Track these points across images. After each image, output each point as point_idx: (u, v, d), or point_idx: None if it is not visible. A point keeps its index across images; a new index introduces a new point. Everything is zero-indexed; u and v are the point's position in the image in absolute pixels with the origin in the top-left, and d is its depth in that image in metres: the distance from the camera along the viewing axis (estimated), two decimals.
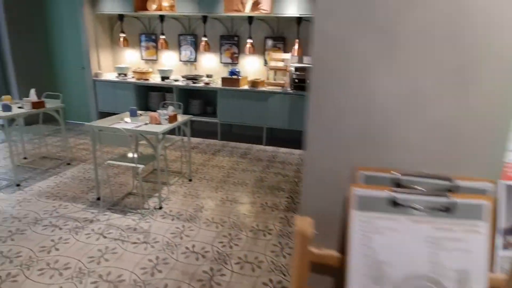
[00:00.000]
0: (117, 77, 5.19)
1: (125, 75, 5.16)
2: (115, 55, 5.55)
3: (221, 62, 5.08)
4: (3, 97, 3.37)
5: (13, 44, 4.96)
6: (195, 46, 5.10)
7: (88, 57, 5.04)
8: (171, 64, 5.29)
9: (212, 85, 4.72)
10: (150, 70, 5.13)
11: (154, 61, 5.37)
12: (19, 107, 3.21)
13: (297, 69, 4.38)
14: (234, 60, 5.01)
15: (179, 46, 5.18)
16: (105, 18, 5.23)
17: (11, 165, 3.18)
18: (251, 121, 4.66)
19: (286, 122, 4.52)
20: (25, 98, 3.18)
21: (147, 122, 2.83)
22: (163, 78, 5.00)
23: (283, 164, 4.04)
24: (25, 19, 5.12)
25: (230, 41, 4.93)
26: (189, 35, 5.08)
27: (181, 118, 3.08)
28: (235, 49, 4.96)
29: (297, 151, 4.55)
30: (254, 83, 4.53)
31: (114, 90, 5.05)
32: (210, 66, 5.15)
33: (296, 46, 4.48)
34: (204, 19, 4.70)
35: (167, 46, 5.03)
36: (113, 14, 5.04)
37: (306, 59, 4.65)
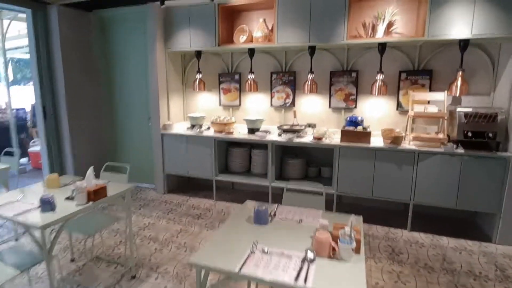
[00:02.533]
0: (189, 128, 4.04)
1: (200, 126, 3.99)
2: (187, 101, 4.45)
3: (331, 107, 3.72)
4: (47, 177, 2.22)
5: (69, 90, 4.07)
6: (293, 86, 3.82)
7: (157, 105, 3.96)
8: (260, 111, 4.05)
9: (326, 141, 3.32)
10: (233, 119, 3.91)
11: (236, 107, 4.17)
12: (68, 198, 2.01)
13: (469, 115, 2.84)
14: (350, 103, 3.61)
15: (270, 87, 3.94)
16: (177, 56, 4.21)
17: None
18: (388, 193, 3.12)
19: (450, 198, 2.91)
20: (78, 182, 1.97)
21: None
22: (251, 131, 3.73)
23: (468, 276, 2.39)
24: (84, 61, 4.26)
25: (345, 78, 3.59)
26: (286, 72, 3.84)
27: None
28: (351, 89, 3.58)
29: (473, 245, 2.87)
30: (395, 139, 3.05)
31: (186, 146, 3.86)
32: (314, 112, 3.80)
33: (459, 82, 2.98)
34: (312, 50, 3.43)
35: (256, 87, 3.81)
36: (188, 51, 4.00)
37: (470, 100, 3.13)
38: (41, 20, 3.92)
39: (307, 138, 3.47)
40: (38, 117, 4.24)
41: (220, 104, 4.22)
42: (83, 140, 4.30)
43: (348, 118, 3.42)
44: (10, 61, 7.59)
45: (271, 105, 3.96)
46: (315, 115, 3.79)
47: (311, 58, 3.46)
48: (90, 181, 1.97)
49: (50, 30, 3.96)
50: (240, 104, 4.12)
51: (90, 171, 2.02)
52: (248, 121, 3.73)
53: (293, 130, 3.56)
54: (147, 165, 4.36)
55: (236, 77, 4.06)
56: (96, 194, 1.93)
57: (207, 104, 4.32)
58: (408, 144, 3.09)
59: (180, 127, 4.17)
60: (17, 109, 6.68)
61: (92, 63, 4.36)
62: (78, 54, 4.16)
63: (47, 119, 4.10)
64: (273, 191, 3.61)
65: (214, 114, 4.21)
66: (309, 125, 3.70)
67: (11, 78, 7.86)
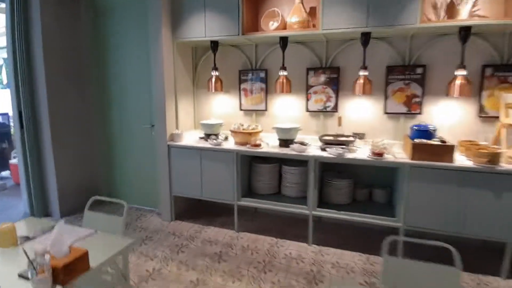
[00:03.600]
0: (202, 139, 3.23)
1: (217, 136, 3.18)
2: (199, 105, 3.63)
3: (386, 112, 2.92)
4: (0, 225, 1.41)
5: (52, 93, 3.25)
6: (336, 86, 3.02)
7: (162, 110, 3.15)
8: (292, 117, 3.23)
9: (389, 157, 2.51)
10: (259, 128, 3.10)
11: (261, 112, 3.36)
12: (23, 276, 1.19)
13: None
14: (413, 107, 2.81)
15: (306, 88, 3.14)
16: (187, 49, 3.39)
17: None
18: (479, 230, 2.29)
19: None
20: (38, 248, 1.13)
21: None
22: (284, 142, 2.92)
23: None
24: (72, 58, 3.44)
25: (407, 75, 2.79)
26: (327, 68, 3.04)
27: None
28: (415, 89, 2.78)
29: None
30: (492, 156, 2.24)
31: (199, 161, 3.04)
32: (363, 118, 2.97)
33: None
34: (366, 39, 2.64)
35: (289, 88, 3.00)
36: (202, 42, 3.20)
37: None
38: (19, 7, 3.11)
39: (360, 152, 2.66)
40: (14, 125, 3.42)
41: (240, 108, 3.41)
42: (69, 154, 3.47)
43: (415, 127, 2.61)
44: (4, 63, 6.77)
45: (307, 109, 3.14)
46: (364, 123, 2.99)
47: (365, 49, 2.66)
48: (60, 245, 1.15)
49: (30, 20, 3.14)
50: (266, 109, 3.30)
51: (59, 227, 1.19)
52: (280, 130, 2.92)
53: (340, 143, 2.75)
54: (150, 185, 3.53)
55: (262, 74, 3.25)
56: (69, 272, 1.11)
57: (224, 109, 3.50)
58: (505, 163, 2.28)
59: (191, 137, 3.35)
60: (0, 114, 5.87)
61: (81, 60, 3.54)
62: (64, 49, 3.35)
63: (25, 128, 3.27)
64: (313, 217, 2.80)
65: (233, 121, 3.39)
66: (355, 135, 2.89)
67: (5, 81, 7.03)
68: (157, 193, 3.44)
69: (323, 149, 2.76)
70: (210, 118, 3.41)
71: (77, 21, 3.48)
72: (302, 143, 2.88)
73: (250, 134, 2.95)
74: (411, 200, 2.43)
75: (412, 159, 2.41)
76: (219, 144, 2.98)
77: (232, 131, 3.04)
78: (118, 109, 3.58)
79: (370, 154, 2.54)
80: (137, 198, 3.65)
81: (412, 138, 2.56)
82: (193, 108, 3.59)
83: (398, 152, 2.62)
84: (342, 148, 2.66)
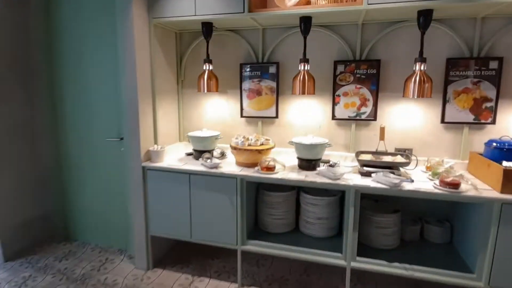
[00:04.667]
0: (189, 156, 2.38)
1: (210, 153, 2.33)
2: (185, 111, 2.75)
3: (445, 122, 2.15)
4: None
5: None
6: (376, 85, 2.25)
7: (135, 117, 2.26)
8: (311, 127, 2.40)
9: (466, 188, 1.75)
10: (271, 143, 2.28)
11: (269, 120, 2.53)
12: None
13: None
14: (483, 115, 2.05)
15: (333, 88, 2.34)
16: (168, 36, 2.51)
17: None
18: None
19: None
20: None
21: None
22: (308, 164, 2.11)
23: None
24: (16, 54, 2.47)
25: (473, 72, 2.03)
26: (362, 62, 2.25)
27: None
28: (486, 90, 2.05)
29: None
30: None
31: (187, 189, 2.18)
32: (408, 129, 2.19)
33: None
34: (426, 19, 1.87)
35: (313, 87, 2.19)
36: (190, 24, 2.35)
37: None
38: None
39: (414, 176, 1.90)
40: None
41: (242, 115, 2.56)
42: (10, 178, 2.52)
43: (494, 143, 1.87)
44: None
45: (333, 117, 2.35)
46: (411, 135, 2.22)
47: (423, 34, 1.90)
48: None
49: None
50: (277, 116, 2.48)
51: None
52: (302, 147, 2.09)
53: (388, 165, 1.97)
54: (119, 218, 2.61)
55: (272, 69, 2.42)
56: None
57: (220, 115, 2.64)
58: None
59: (175, 155, 2.49)
60: None
61: (30, 57, 2.57)
62: (8, 42, 2.39)
63: None
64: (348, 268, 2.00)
65: (231, 131, 2.56)
66: (402, 152, 2.13)
67: None
68: (128, 230, 2.55)
69: (364, 174, 1.97)
70: (202, 128, 2.55)
71: (25, 8, 2.53)
72: (331, 165, 2.08)
73: (259, 152, 2.12)
74: (500, 252, 1.67)
75: (502, 191, 1.66)
76: (215, 166, 2.13)
77: (233, 148, 2.20)
78: (76, 118, 2.63)
79: (438, 183, 1.77)
80: (102, 236, 2.72)
81: (490, 158, 1.82)
82: (177, 114, 2.72)
83: (471, 178, 1.87)
84: (392, 172, 1.88)
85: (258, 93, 2.47)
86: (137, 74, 2.18)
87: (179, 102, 2.71)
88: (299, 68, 2.13)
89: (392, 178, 1.79)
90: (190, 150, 2.46)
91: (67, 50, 2.55)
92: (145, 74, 2.26)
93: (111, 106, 2.48)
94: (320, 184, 1.91)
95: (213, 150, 2.38)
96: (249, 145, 2.17)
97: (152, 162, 2.27)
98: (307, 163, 2.09)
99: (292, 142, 2.14)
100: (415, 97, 1.92)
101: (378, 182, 1.83)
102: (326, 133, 2.37)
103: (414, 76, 1.91)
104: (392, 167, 1.97)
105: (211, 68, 2.36)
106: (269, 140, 2.26)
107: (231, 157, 2.40)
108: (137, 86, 2.18)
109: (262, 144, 2.20)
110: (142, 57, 2.22)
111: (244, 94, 2.51)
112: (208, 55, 2.35)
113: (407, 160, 1.97)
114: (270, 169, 2.03)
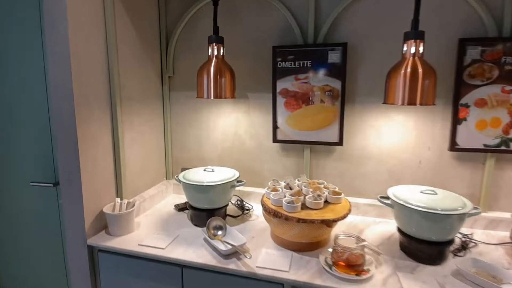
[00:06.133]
0: (183, 211, 1.30)
1: (223, 222, 1.23)
2: (179, 129, 1.64)
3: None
4: None
5: None
6: None
7: (71, 148, 1.15)
8: (408, 162, 1.28)
9: None
10: (343, 197, 1.20)
11: (327, 148, 1.45)
12: None
13: None
14: None
15: (454, 90, 1.22)
16: (139, 3, 1.44)
17: None
18: None
19: None
20: None
21: None
22: (430, 248, 0.98)
23: None
24: None
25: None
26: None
27: None
28: None
29: None
30: None
31: None
32: None
33: None
34: None
35: (432, 91, 1.11)
36: None
37: None
38: None
39: None
40: None
41: (275, 138, 1.46)
42: None
43: None
44: None
45: (454, 145, 1.28)
46: None
47: None
48: None
49: None
50: (340, 141, 1.40)
51: None
52: (418, 215, 0.97)
53: None
54: None
55: (333, 57, 1.33)
56: None
57: (235, 138, 1.54)
58: None
59: (156, 212, 1.39)
60: None
61: None
62: None
63: None
64: None
65: (256, 167, 1.47)
66: None
67: None
68: None
69: None
70: (205, 161, 1.45)
71: None
72: (466, 239, 1.01)
73: (329, 224, 1.03)
74: None
75: None
76: (234, 254, 1.04)
77: (270, 212, 1.11)
78: None
79: None
80: None
81: None
82: (162, 135, 1.63)
83: None
84: None
85: (306, 99, 1.39)
86: (73, 65, 1.07)
87: (165, 114, 1.61)
88: (405, 50, 1.04)
89: None
90: (183, 200, 1.37)
91: None
92: (94, 67, 1.16)
93: (40, 128, 1.38)
94: None
95: (226, 207, 1.29)
96: (305, 206, 1.07)
97: (110, 235, 1.18)
98: (429, 249, 1.01)
99: (390, 199, 1.06)
100: None
101: None
102: (433, 173, 1.29)
103: None
104: None
105: (222, 53, 1.28)
106: (339, 193, 1.16)
107: (260, 220, 1.31)
108: (73, 88, 1.08)
109: (328, 202, 1.11)
110: (88, 35, 1.12)
111: (280, 102, 1.42)
112: (216, 29, 1.27)
113: None
114: (361, 272, 0.93)
